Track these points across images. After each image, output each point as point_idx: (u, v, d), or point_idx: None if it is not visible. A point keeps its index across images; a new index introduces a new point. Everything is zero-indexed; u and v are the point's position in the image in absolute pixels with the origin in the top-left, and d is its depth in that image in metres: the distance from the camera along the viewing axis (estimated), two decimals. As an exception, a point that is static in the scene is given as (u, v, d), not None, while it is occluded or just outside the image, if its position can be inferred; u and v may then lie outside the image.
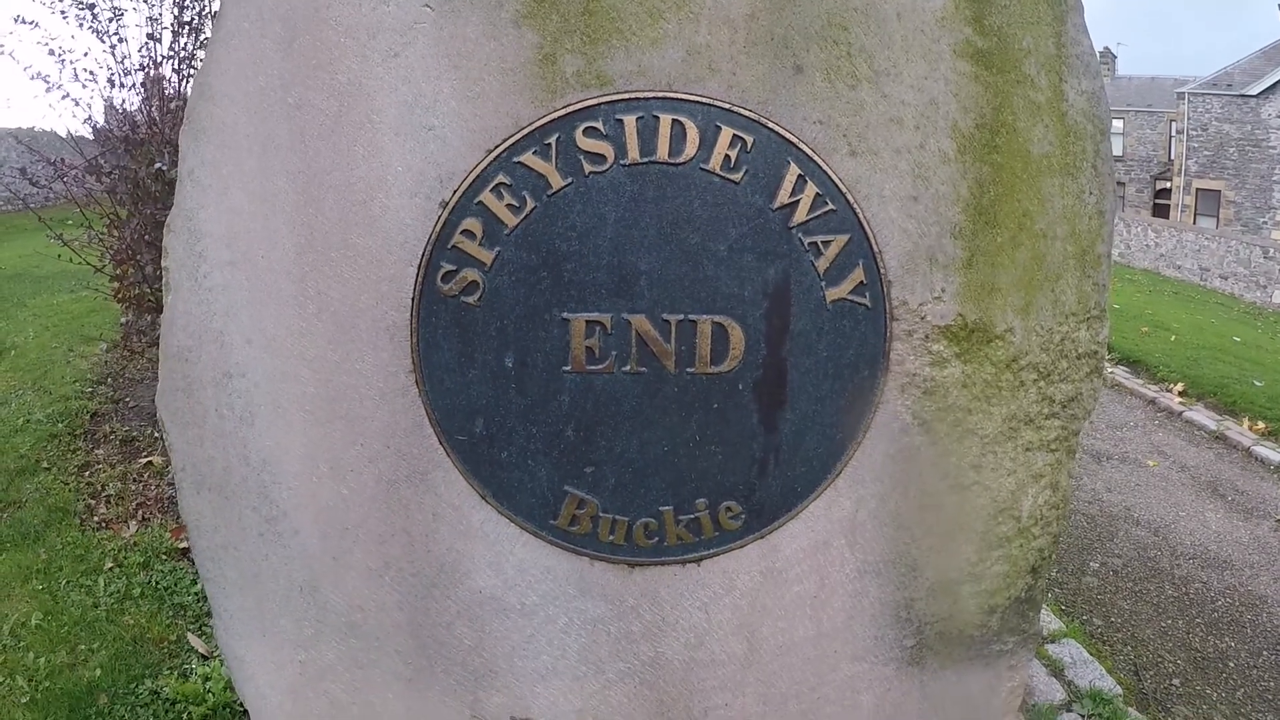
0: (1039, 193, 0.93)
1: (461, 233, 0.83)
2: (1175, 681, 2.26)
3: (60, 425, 3.36)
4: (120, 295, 3.58)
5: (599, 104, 0.81)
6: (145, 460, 3.00)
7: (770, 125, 0.83)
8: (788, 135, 0.83)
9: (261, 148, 0.85)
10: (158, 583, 2.17)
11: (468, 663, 1.04)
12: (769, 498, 0.93)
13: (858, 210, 0.85)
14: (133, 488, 2.82)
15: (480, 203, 0.82)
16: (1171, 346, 6.72)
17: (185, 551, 2.33)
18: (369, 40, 0.83)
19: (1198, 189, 22.58)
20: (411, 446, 0.90)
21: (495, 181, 0.82)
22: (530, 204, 0.82)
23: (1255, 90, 21.03)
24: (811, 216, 0.84)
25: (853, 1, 0.85)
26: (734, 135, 0.82)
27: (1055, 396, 1.00)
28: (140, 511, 2.68)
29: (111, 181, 3.26)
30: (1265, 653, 2.45)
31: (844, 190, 0.84)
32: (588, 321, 0.84)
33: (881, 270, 0.87)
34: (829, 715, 1.10)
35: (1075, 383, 1.01)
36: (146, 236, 3.02)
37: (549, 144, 0.81)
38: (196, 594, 2.08)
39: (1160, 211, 25.05)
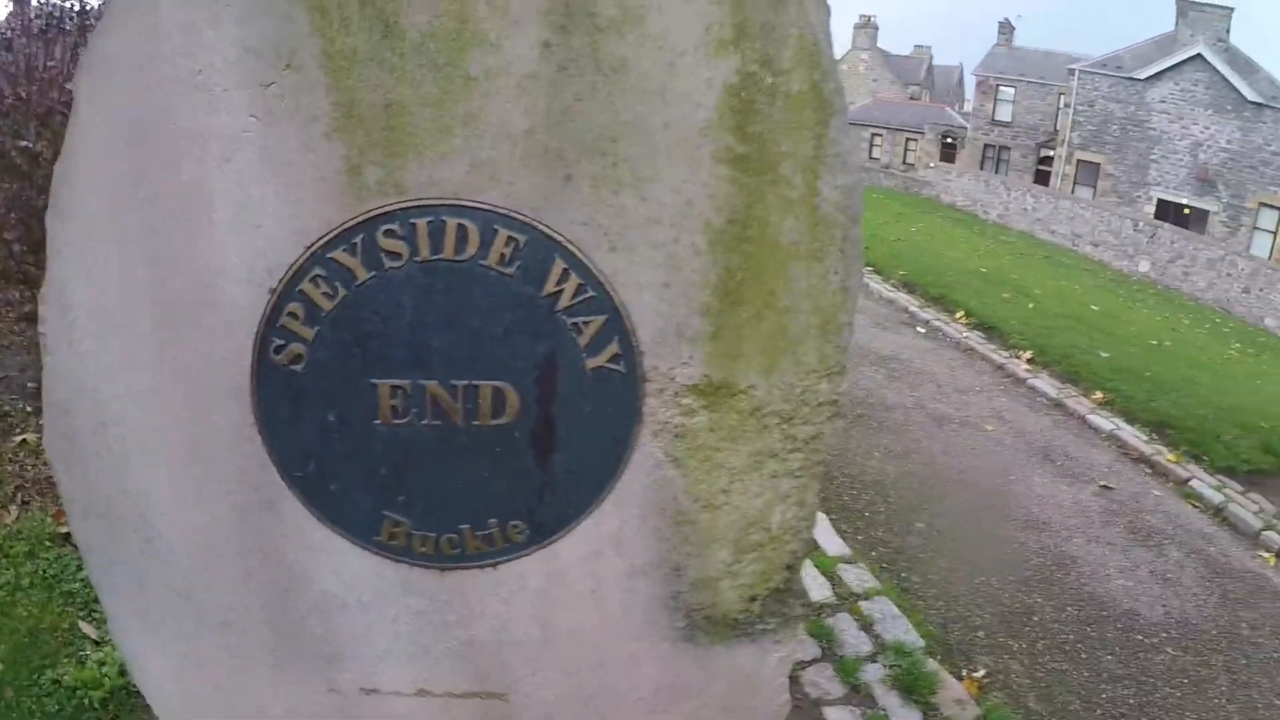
0: (786, 275, 1.14)
1: (287, 314, 1.02)
2: (980, 634, 2.57)
3: (-85, 401, 3.16)
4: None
5: (396, 209, 1.00)
6: (20, 438, 3.02)
7: (540, 227, 1.03)
8: (556, 235, 1.03)
9: (118, 234, 1.02)
10: (45, 571, 2.29)
11: (320, 649, 1.28)
12: (547, 518, 1.17)
13: (614, 296, 1.06)
14: (9, 469, 2.84)
15: (301, 290, 1.02)
16: (1028, 314, 7.16)
17: (67, 536, 2.41)
18: (205, 145, 1.00)
19: (1079, 160, 24.76)
20: (260, 482, 1.11)
21: (313, 273, 1.01)
22: (342, 292, 1.02)
23: (1143, 75, 22.91)
24: (574, 302, 1.05)
25: (623, 116, 1.04)
26: (509, 236, 1.02)
27: (798, 435, 1.24)
28: (19, 495, 2.72)
29: None
30: (1069, 608, 2.80)
31: (602, 280, 1.05)
32: (391, 386, 1.06)
33: (634, 343, 1.09)
34: (619, 682, 1.35)
35: (816, 424, 1.25)
36: (14, 215, 3.00)
37: (355, 243, 1.00)
38: (83, 580, 2.22)
39: (1042, 178, 26.79)
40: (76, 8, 3.40)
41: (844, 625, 2.39)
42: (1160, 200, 22.15)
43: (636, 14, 0.97)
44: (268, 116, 0.98)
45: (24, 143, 2.73)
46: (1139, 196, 22.57)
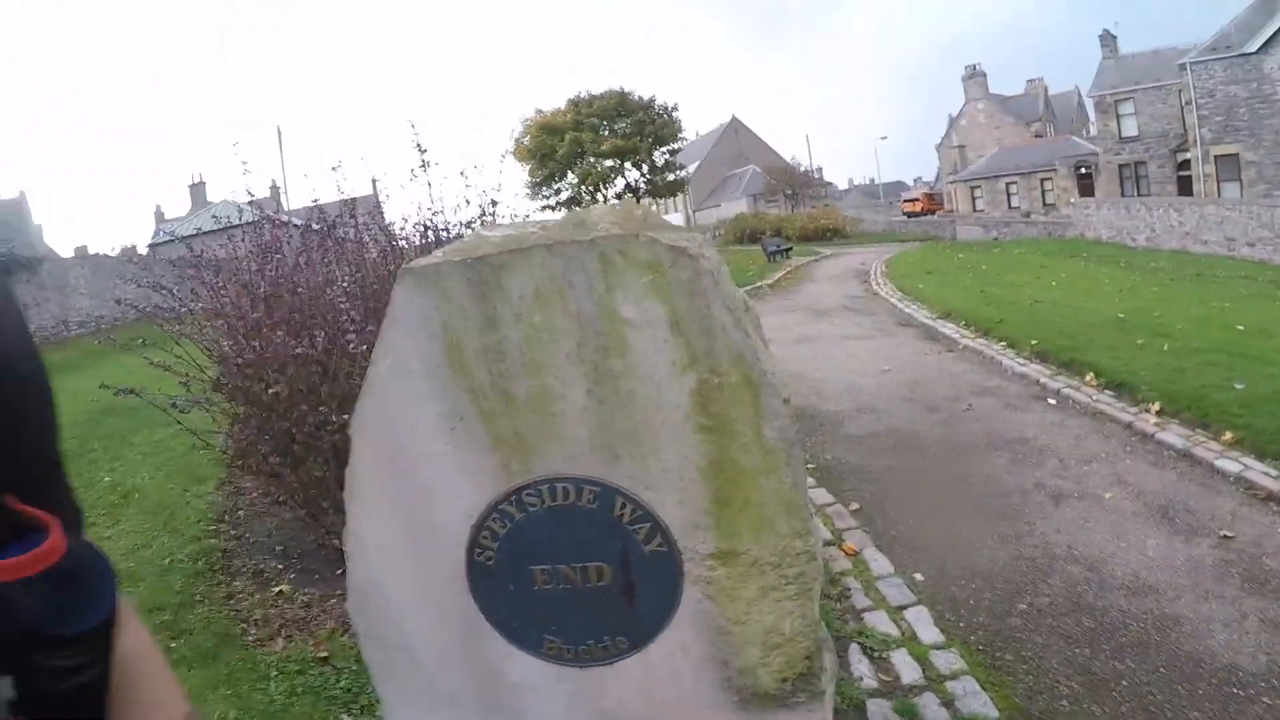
0: (754, 485, 1.84)
1: (482, 536, 1.92)
2: (1064, 703, 2.78)
3: (200, 563, 4.13)
4: (241, 466, 4.25)
5: (530, 483, 1.86)
6: (276, 590, 3.79)
7: (606, 482, 1.85)
8: (615, 485, 1.85)
9: (384, 504, 1.97)
10: (311, 684, 3.01)
11: (513, 715, 2.16)
12: (639, 635, 1.95)
13: (653, 511, 1.85)
14: (272, 612, 3.59)
15: (488, 524, 1.91)
16: (1162, 358, 6.90)
17: (325, 659, 3.19)
18: (427, 460, 1.92)
19: (1215, 156, 22.24)
20: (473, 621, 2.02)
21: (492, 515, 1.90)
22: (509, 524, 1.90)
23: (1254, 47, 21.12)
24: (632, 517, 1.86)
25: (638, 419, 1.78)
26: (590, 489, 1.85)
27: (788, 574, 1.94)
28: (284, 631, 3.43)
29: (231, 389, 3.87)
30: (1162, 669, 2.92)
31: (645, 504, 1.85)
32: (540, 569, 1.92)
33: (671, 536, 1.87)
34: None
35: (799, 566, 1.90)
36: (266, 436, 3.61)
37: (511, 500, 1.89)
38: (342, 688, 3.01)
39: (1185, 185, 25.14)
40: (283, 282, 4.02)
41: (926, 703, 2.77)
42: (1312, 173, 19.53)
43: (633, 365, 1.78)
44: (456, 445, 1.89)
45: (272, 389, 3.52)
46: (1286, 177, 20.18)
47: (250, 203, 4.63)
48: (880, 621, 3.41)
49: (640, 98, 45.03)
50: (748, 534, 1.90)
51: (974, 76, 49.78)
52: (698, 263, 1.72)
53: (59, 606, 0.56)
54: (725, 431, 1.81)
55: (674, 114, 45.72)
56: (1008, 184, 39.61)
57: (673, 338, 1.75)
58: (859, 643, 3.25)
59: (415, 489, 1.93)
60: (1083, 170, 32.76)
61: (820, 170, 61.09)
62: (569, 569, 1.92)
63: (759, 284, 17.57)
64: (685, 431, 1.81)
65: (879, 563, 3.97)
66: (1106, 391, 6.35)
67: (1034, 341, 8.28)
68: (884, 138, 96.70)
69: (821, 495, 4.83)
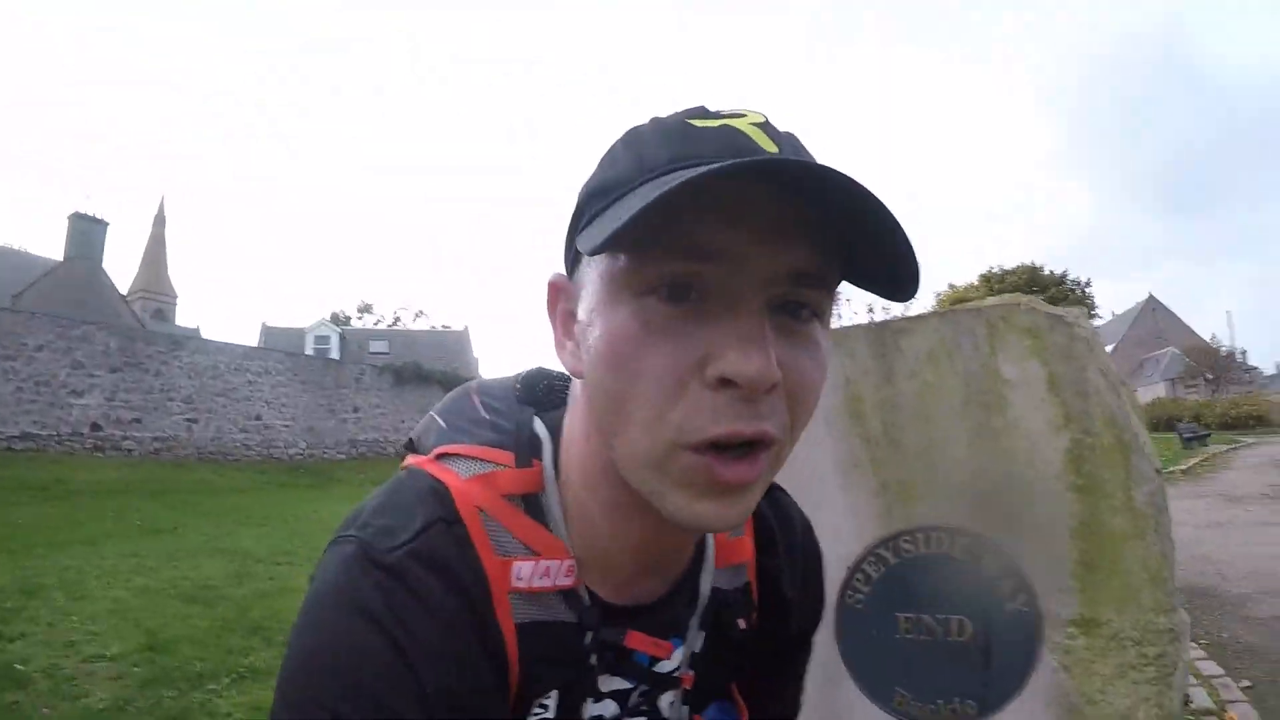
0: (1121, 551, 2.01)
1: (855, 578, 2.13)
2: None
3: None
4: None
5: (907, 530, 2.11)
6: None
7: (979, 534, 2.08)
8: (987, 538, 2.07)
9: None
10: None
11: None
12: (990, 699, 2.03)
13: (1020, 568, 2.04)
14: None
15: (862, 567, 2.13)
16: None
17: None
18: (816, 501, 2.21)
19: None
20: (832, 668, 2.17)
21: (867, 559, 2.13)
22: (882, 569, 2.12)
23: None
24: (999, 572, 2.05)
25: (1013, 472, 2.09)
26: (963, 540, 2.08)
27: (1148, 654, 2.01)
28: None
29: None
30: None
31: (1013, 561, 2.05)
32: (905, 616, 2.09)
33: (1034, 595, 2.03)
34: None
35: (1160, 647, 1.90)
36: None
37: (888, 545, 2.12)
38: None
39: None
40: None
41: None
42: None
43: (1013, 421, 2.05)
44: (845, 489, 2.18)
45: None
46: None
47: None
48: None
49: (1052, 272, 46.33)
50: (1111, 602, 2.02)
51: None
52: (1073, 329, 2.03)
53: None
54: (1096, 491, 2.01)
55: (1087, 290, 46.69)
56: None
57: (1049, 397, 2.03)
58: None
59: (798, 524, 2.19)
60: None
61: (1245, 353, 59.05)
62: (932, 620, 2.08)
63: (1170, 469, 16.74)
64: (1057, 490, 2.03)
65: None
66: None
67: None
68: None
69: (1210, 667, 4.67)
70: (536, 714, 0.66)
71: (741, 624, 0.81)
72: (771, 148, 0.54)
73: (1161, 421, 34.61)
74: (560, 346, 0.66)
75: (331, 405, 25.87)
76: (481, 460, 0.69)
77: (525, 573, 0.64)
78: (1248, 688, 4.40)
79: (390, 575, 0.59)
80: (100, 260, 35.04)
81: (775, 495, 0.89)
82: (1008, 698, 2.05)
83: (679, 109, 0.59)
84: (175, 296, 51.36)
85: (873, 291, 0.60)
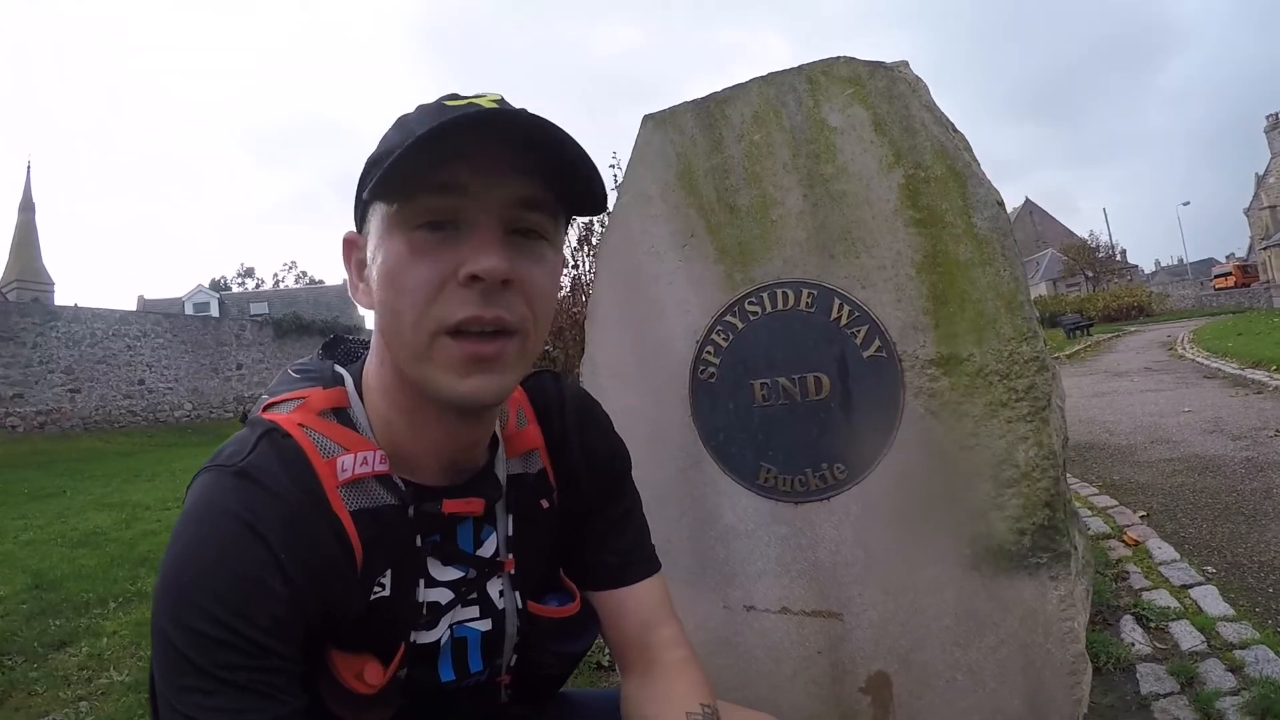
0: (970, 279, 1.86)
1: (705, 352, 2.09)
2: None
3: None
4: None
5: (751, 291, 2.06)
6: None
7: (824, 285, 2.01)
8: (832, 287, 2.00)
9: (619, 327, 2.20)
10: None
11: (720, 570, 2.11)
12: (857, 461, 1.95)
13: (870, 312, 1.97)
14: None
15: (711, 338, 2.08)
16: None
17: None
18: (658, 279, 2.17)
19: None
20: (691, 450, 2.11)
21: (715, 329, 2.08)
22: (730, 336, 2.07)
23: None
24: (849, 320, 1.98)
25: (850, 218, 1.98)
26: (808, 292, 2.02)
27: (1017, 387, 1.84)
28: None
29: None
30: None
31: (862, 305, 1.98)
32: (760, 382, 2.04)
33: (889, 338, 1.96)
34: (928, 605, 1.85)
35: (1029, 377, 1.79)
36: None
37: (734, 310, 2.07)
38: None
39: None
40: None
41: (1209, 668, 2.51)
42: None
43: (842, 166, 2.00)
44: (685, 260, 2.15)
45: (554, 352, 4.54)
46: None
47: None
48: (1160, 598, 3.20)
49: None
50: (969, 337, 1.90)
51: (1278, 127, 46.18)
52: (894, 72, 2.00)
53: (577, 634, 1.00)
54: (936, 223, 1.93)
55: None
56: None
57: (877, 138, 1.99)
58: (1133, 613, 3.05)
59: (646, 306, 2.17)
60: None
61: (1124, 252, 58.98)
62: (788, 381, 2.02)
63: (1055, 355, 17.46)
64: (897, 226, 1.96)
65: (1163, 551, 3.79)
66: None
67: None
68: (1186, 203, 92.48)
69: (1104, 500, 4.94)
70: (376, 592, 0.80)
71: (544, 504, 0.97)
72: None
73: (1045, 318, 34.42)
74: (354, 289, 0.82)
75: (215, 364, 25.96)
76: (296, 398, 0.85)
77: (348, 464, 0.79)
78: (1144, 516, 4.61)
79: (239, 478, 0.74)
80: (-33, 252, 33.68)
81: (544, 381, 1.05)
82: (878, 455, 1.96)
83: (438, 96, 0.77)
84: (52, 283, 50.30)
85: (576, 213, 0.80)
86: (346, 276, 0.84)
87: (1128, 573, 3.55)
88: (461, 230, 0.72)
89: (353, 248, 0.82)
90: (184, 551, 0.71)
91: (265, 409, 0.86)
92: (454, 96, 0.75)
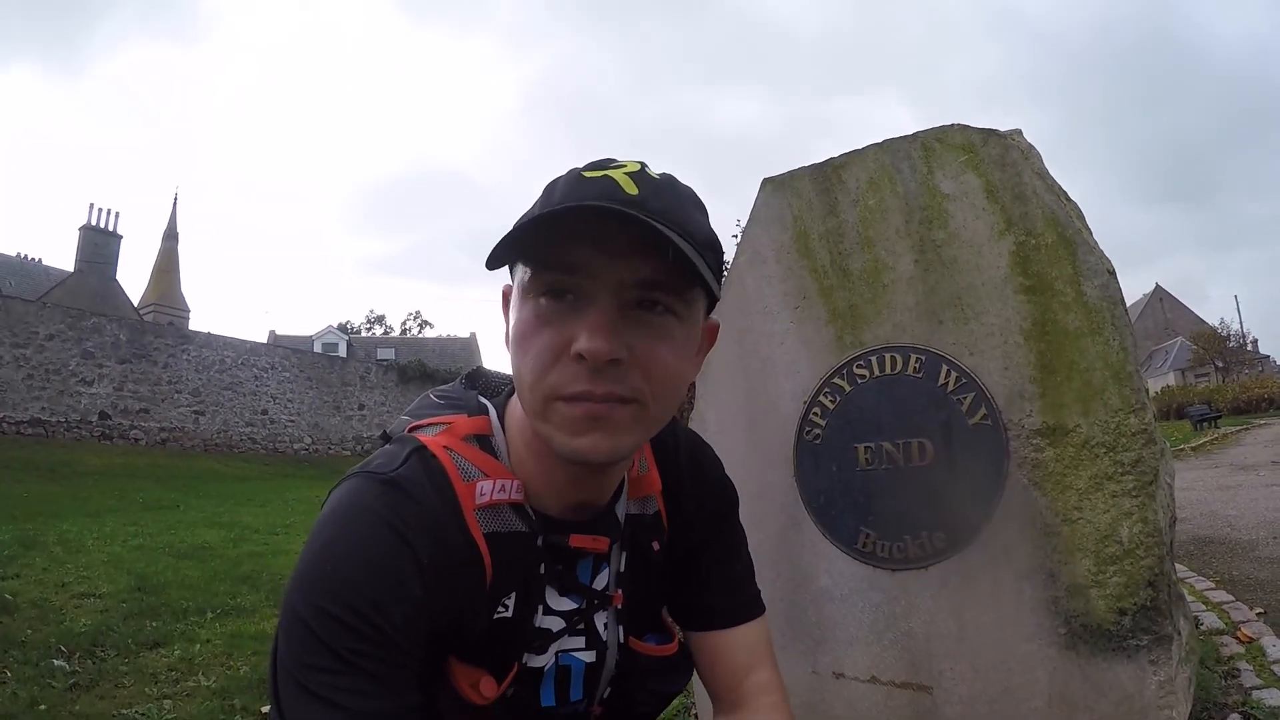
0: (1079, 348, 1.85)
1: (812, 413, 2.16)
2: None
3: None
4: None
5: (860, 355, 2.14)
6: None
7: (932, 350, 2.08)
8: (940, 353, 2.06)
9: (730, 385, 2.29)
10: None
11: (811, 634, 2.13)
12: (958, 530, 1.96)
13: (978, 380, 2.02)
14: None
15: (819, 400, 2.16)
16: None
17: None
18: (770, 338, 2.26)
19: None
20: (793, 510, 2.17)
21: (823, 391, 2.16)
22: (838, 398, 2.15)
23: None
24: (956, 386, 2.04)
25: (960, 284, 2.05)
26: (916, 357, 2.09)
27: (1123, 460, 1.79)
28: None
29: None
30: None
31: (970, 372, 2.04)
32: (864, 446, 2.11)
33: (995, 406, 2.01)
34: (1020, 685, 1.83)
35: (1135, 450, 1.79)
36: None
37: (842, 373, 2.15)
38: None
39: None
40: None
41: (1272, 699, 2.58)
42: None
43: (954, 233, 2.08)
44: (798, 321, 2.23)
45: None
46: None
47: None
48: (1270, 697, 3.07)
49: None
50: (1075, 405, 1.89)
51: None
52: (1007, 140, 2.08)
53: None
54: (1045, 291, 1.96)
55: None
56: None
57: (988, 205, 2.06)
58: (1241, 711, 2.92)
59: (757, 365, 2.25)
60: None
61: (1255, 341, 57.72)
62: (891, 445, 2.08)
63: (1180, 446, 16.92)
64: (1006, 293, 2.01)
65: (1278, 649, 3.60)
66: None
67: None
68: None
69: (1220, 595, 4.73)
70: (500, 612, 0.87)
71: (655, 545, 1.02)
72: (633, 191, 0.75)
73: (1172, 409, 33.76)
74: (506, 338, 0.88)
75: (338, 402, 26.74)
76: (442, 423, 0.91)
77: (486, 489, 0.85)
78: (1260, 613, 4.41)
79: (389, 486, 0.81)
80: (113, 272, 36.38)
81: (666, 439, 1.10)
82: (980, 524, 1.98)
83: (595, 159, 0.82)
84: (188, 310, 51.98)
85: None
86: (505, 324, 0.88)
87: (1239, 670, 3.42)
88: (580, 303, 0.75)
89: (507, 300, 0.86)
90: (329, 544, 0.77)
91: (411, 430, 0.91)
92: (595, 165, 0.79)
